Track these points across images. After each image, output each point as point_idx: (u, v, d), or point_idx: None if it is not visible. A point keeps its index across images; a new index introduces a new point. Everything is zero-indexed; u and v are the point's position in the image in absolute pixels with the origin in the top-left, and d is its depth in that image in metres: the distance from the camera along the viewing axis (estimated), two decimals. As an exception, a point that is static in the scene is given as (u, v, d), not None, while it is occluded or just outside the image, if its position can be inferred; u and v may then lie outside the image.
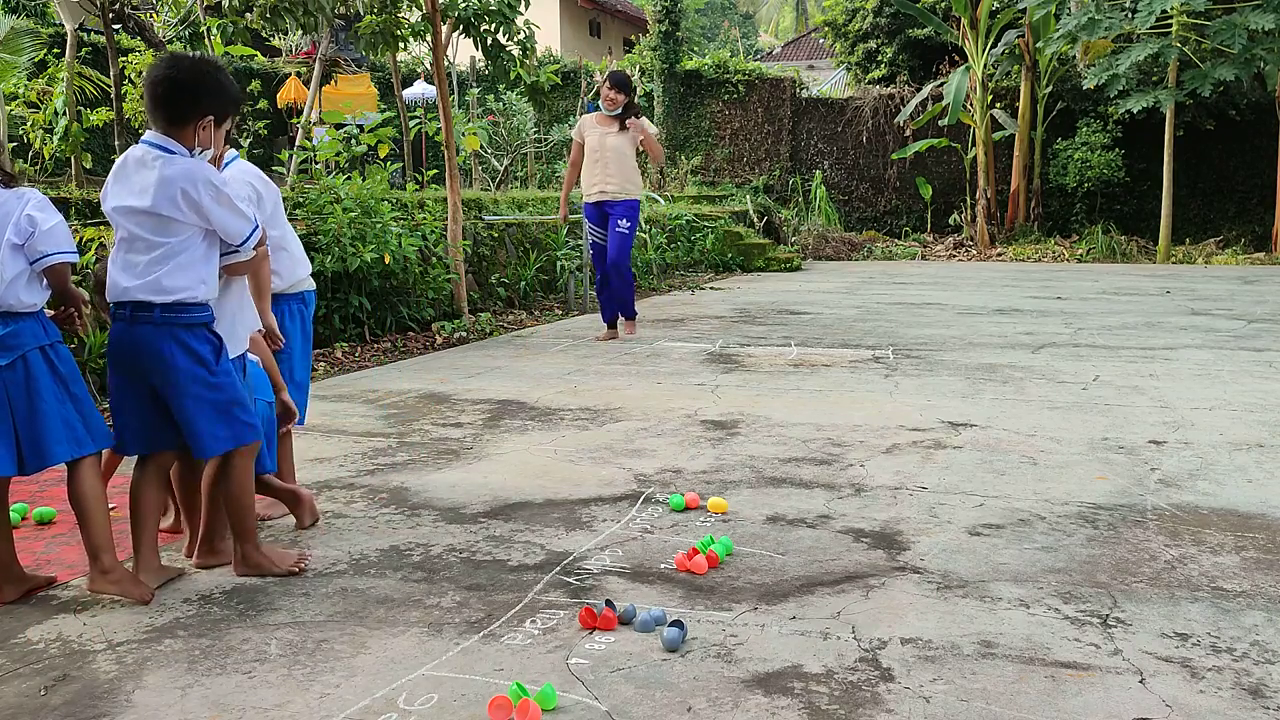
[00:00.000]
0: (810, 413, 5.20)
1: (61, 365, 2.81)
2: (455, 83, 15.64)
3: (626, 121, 7.58)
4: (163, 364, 2.81)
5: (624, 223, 7.59)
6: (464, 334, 7.96)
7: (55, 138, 8.81)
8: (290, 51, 18.08)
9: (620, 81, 7.64)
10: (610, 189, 7.58)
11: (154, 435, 2.92)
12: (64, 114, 8.85)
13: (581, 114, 11.86)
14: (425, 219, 8.32)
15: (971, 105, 17.07)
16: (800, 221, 18.08)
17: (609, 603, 2.69)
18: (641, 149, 7.83)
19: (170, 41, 9.39)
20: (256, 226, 2.94)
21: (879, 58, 20.82)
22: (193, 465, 3.14)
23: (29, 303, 2.74)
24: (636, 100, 7.86)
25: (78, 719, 2.23)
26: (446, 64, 9.49)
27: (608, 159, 7.57)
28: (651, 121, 20.88)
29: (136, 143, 2.90)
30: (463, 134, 11.92)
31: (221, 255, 2.92)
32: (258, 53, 11.00)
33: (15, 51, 10.51)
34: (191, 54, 2.93)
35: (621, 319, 7.92)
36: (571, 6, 30.68)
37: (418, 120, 13.16)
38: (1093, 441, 4.57)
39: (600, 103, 7.73)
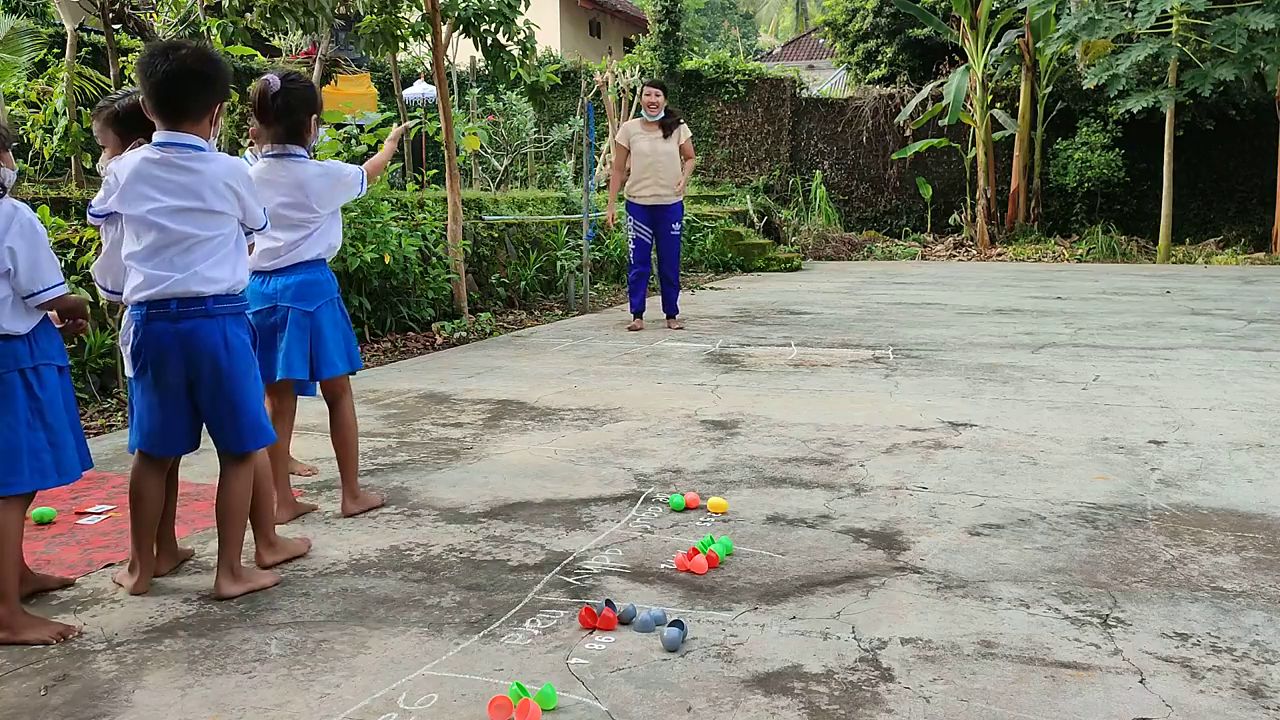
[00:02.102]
0: (810, 413, 5.20)
1: (42, 391, 2.65)
2: (455, 83, 15.64)
3: (676, 131, 8.17)
4: (217, 355, 2.78)
5: (676, 226, 8.29)
6: (464, 334, 7.95)
7: (55, 138, 8.80)
8: (290, 51, 18.06)
9: (660, 85, 8.25)
10: (665, 194, 8.15)
11: (186, 437, 2.89)
12: (64, 114, 8.84)
13: (582, 114, 11.86)
14: (425, 219, 8.32)
15: (971, 105, 17.07)
16: (800, 221, 18.08)
17: (609, 603, 2.69)
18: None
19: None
20: (267, 220, 3.03)
21: (879, 58, 20.82)
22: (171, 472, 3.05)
23: (13, 329, 2.61)
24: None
25: (78, 719, 2.23)
26: (446, 64, 9.49)
27: (660, 164, 8.09)
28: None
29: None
30: (463, 134, 11.91)
31: None
32: (258, 53, 10.98)
33: (15, 51, 10.50)
34: (183, 41, 2.81)
35: (666, 316, 8.51)
36: (571, 6, 30.68)
37: (418, 120, 13.16)
38: (1093, 441, 4.57)
39: (644, 110, 8.19)
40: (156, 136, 2.77)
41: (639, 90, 8.65)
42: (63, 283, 2.72)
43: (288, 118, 3.39)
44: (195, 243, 2.76)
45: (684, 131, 8.28)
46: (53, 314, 2.76)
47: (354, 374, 3.68)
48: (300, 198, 3.44)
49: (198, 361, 2.78)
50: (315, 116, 3.49)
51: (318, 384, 3.62)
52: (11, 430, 2.60)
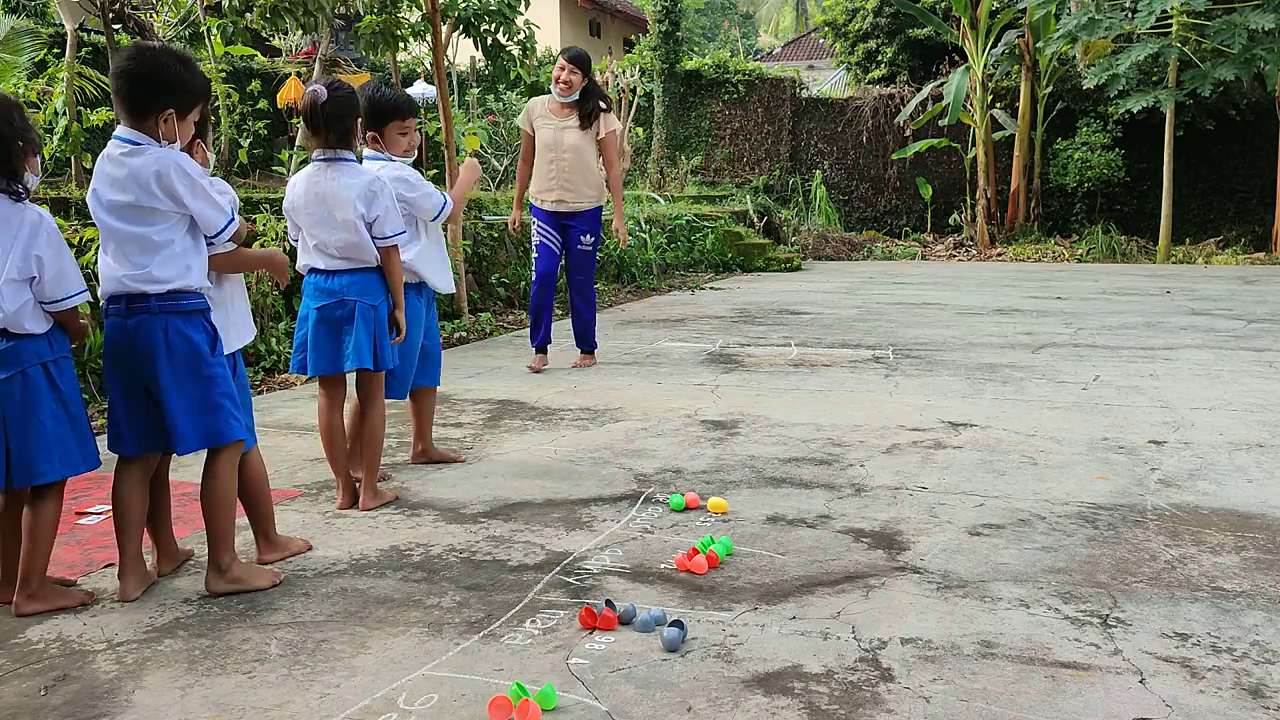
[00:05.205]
0: (810, 413, 5.20)
1: (64, 383, 2.75)
2: (455, 83, 15.64)
3: (597, 122, 6.28)
4: (157, 352, 2.79)
5: (587, 239, 6.40)
6: (464, 334, 7.95)
7: (55, 138, 8.81)
8: (290, 51, 18.08)
9: (577, 58, 6.20)
10: (569, 197, 6.30)
11: (153, 433, 2.89)
12: (64, 114, 8.85)
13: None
14: (425, 219, 8.30)
15: (971, 105, 17.08)
16: (800, 221, 18.09)
17: (609, 603, 2.69)
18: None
19: (170, 41, 9.39)
20: (231, 220, 2.92)
21: (879, 58, 20.84)
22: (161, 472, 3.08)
23: (34, 329, 2.69)
24: (599, 84, 6.52)
25: (78, 719, 2.23)
26: (446, 64, 9.49)
27: (564, 160, 6.25)
28: (651, 123, 20.71)
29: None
30: (463, 134, 11.92)
31: None
32: (258, 53, 11.01)
33: (15, 51, 10.49)
34: (154, 45, 2.85)
35: (578, 352, 6.75)
36: (571, 6, 30.69)
37: (418, 120, 13.16)
38: (1093, 441, 4.57)
39: (552, 86, 6.29)
40: (115, 131, 2.86)
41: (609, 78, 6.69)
42: (85, 290, 2.77)
43: (337, 125, 3.52)
44: (134, 239, 2.78)
45: (608, 121, 6.31)
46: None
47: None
48: (346, 201, 3.54)
49: (142, 359, 2.81)
50: (359, 120, 3.66)
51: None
52: (40, 421, 2.69)
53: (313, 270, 3.66)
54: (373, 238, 3.58)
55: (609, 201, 6.64)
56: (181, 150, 2.88)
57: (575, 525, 3.49)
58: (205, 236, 2.90)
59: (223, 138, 9.28)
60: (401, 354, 3.90)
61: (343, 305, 3.61)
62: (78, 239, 5.67)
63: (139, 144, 2.79)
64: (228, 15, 8.07)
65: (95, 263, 5.53)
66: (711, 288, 12.09)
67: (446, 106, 8.36)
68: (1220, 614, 2.71)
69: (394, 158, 3.97)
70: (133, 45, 2.85)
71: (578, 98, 6.23)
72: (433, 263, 4.08)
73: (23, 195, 2.67)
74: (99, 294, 2.90)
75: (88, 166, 9.03)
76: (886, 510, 3.61)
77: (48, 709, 2.27)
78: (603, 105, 6.34)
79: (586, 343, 6.69)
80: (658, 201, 14.74)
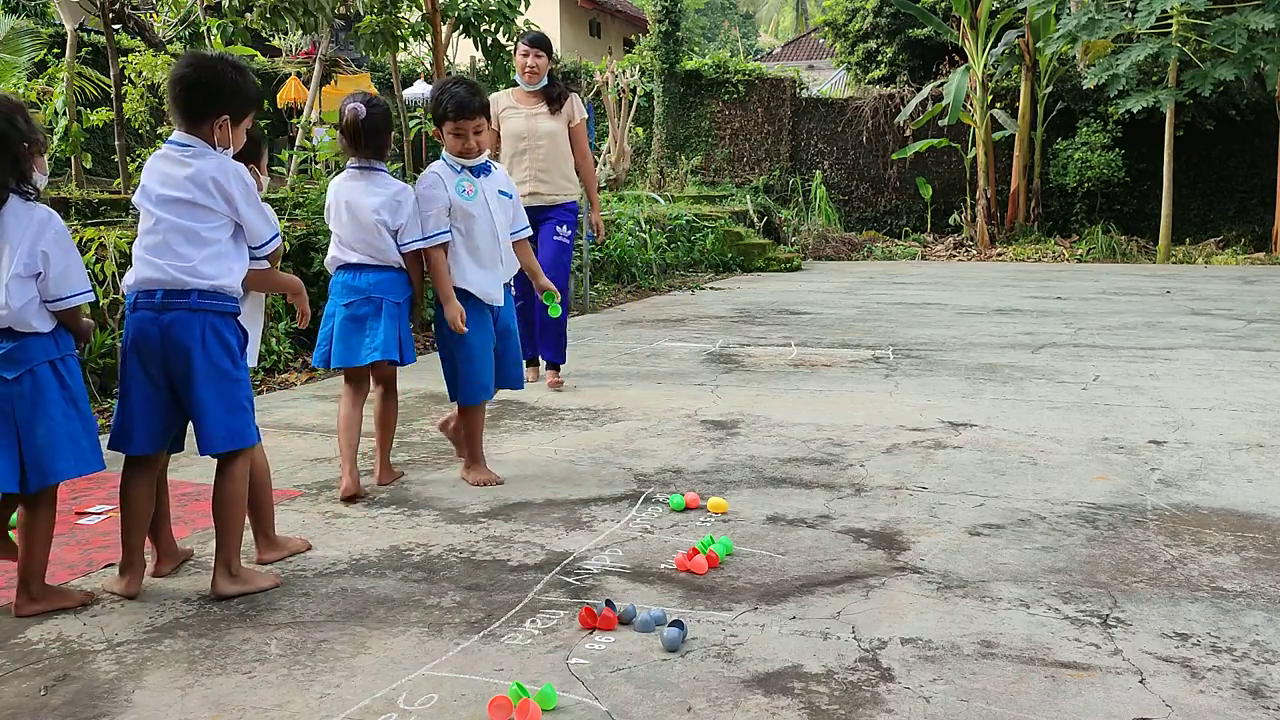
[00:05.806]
0: (810, 413, 5.20)
1: (71, 380, 2.74)
2: (455, 83, 15.65)
3: (566, 106, 5.86)
4: (192, 350, 2.79)
5: (563, 229, 5.79)
6: (464, 334, 7.94)
7: (55, 138, 8.81)
8: (290, 51, 18.09)
9: (539, 41, 5.85)
10: (544, 189, 5.78)
11: (164, 433, 2.90)
12: (64, 114, 8.85)
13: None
14: (425, 219, 8.31)
15: (971, 105, 17.08)
16: (800, 221, 18.09)
17: (609, 603, 2.69)
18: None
19: (170, 41, 9.40)
20: (276, 234, 3.00)
21: (879, 58, 20.84)
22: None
23: (40, 328, 2.67)
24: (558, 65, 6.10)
25: (78, 719, 2.23)
26: (446, 64, 9.48)
27: (540, 149, 5.76)
28: (651, 123, 20.71)
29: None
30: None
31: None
32: (258, 53, 11.01)
33: (15, 51, 10.51)
34: (210, 53, 2.91)
35: (547, 367, 5.98)
36: (571, 6, 30.70)
37: (418, 120, 13.16)
38: (1093, 441, 4.57)
39: (517, 75, 5.89)
40: (170, 136, 2.92)
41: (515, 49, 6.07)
42: (88, 289, 2.76)
43: (374, 139, 3.79)
44: (182, 230, 2.80)
45: (577, 107, 5.91)
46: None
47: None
48: (369, 208, 3.79)
49: (174, 355, 2.80)
50: (393, 133, 3.93)
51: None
52: (52, 419, 2.68)
53: (342, 267, 3.87)
54: (399, 244, 3.83)
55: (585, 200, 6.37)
56: (234, 157, 2.94)
57: (575, 525, 3.49)
58: (250, 247, 2.95)
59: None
60: (474, 358, 4.03)
61: (369, 302, 3.82)
62: (77, 239, 5.67)
63: (197, 148, 2.85)
64: (228, 15, 8.07)
65: (96, 263, 5.55)
66: (711, 288, 12.09)
67: (446, 106, 8.35)
68: (1220, 614, 2.71)
69: (445, 157, 4.09)
70: (190, 53, 2.96)
71: (545, 83, 5.82)
72: (467, 273, 4.04)
73: (32, 195, 2.69)
74: (123, 286, 2.91)
75: (88, 166, 9.03)
76: (886, 510, 3.61)
77: (48, 709, 2.27)
78: (570, 89, 5.97)
79: (557, 356, 5.91)
80: (658, 201, 14.74)
